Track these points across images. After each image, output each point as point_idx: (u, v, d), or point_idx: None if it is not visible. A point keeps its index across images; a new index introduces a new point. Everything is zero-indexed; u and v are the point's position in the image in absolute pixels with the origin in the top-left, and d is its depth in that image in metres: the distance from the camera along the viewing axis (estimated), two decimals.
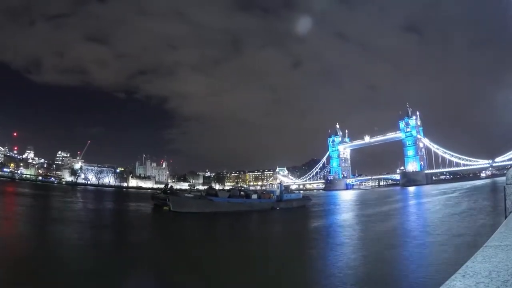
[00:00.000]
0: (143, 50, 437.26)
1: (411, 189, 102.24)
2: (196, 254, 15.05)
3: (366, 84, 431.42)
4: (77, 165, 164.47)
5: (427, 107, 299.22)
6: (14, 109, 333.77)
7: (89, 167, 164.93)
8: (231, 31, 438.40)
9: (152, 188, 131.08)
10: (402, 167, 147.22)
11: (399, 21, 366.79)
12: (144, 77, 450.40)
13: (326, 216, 35.98)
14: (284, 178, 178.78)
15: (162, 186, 78.20)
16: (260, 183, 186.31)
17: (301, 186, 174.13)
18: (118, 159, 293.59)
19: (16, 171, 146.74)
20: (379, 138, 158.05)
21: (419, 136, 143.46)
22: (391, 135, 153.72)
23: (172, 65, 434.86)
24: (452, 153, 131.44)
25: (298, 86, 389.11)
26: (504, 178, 4.54)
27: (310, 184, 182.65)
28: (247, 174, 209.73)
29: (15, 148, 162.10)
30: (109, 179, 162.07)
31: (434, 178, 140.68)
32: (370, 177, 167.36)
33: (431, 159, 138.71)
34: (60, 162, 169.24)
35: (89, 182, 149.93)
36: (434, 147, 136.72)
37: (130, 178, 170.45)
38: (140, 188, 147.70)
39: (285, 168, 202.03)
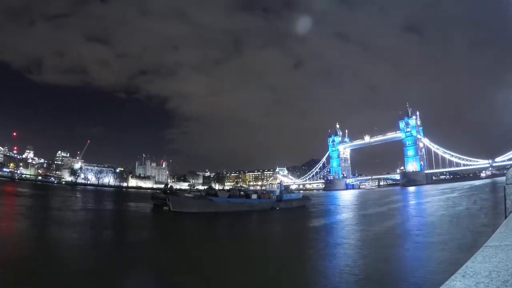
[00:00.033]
0: (144, 50, 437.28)
1: (411, 189, 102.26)
2: (196, 254, 15.05)
3: (366, 84, 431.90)
4: (77, 165, 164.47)
5: (427, 107, 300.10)
6: (14, 109, 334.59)
7: (89, 167, 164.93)
8: (232, 31, 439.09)
9: (152, 188, 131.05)
10: (402, 167, 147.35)
11: (399, 21, 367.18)
12: (144, 77, 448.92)
13: (326, 216, 35.97)
14: (284, 178, 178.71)
15: (162, 186, 78.25)
16: (260, 183, 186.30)
17: (301, 186, 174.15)
18: (118, 159, 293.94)
19: (15, 171, 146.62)
20: (379, 138, 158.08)
21: (419, 136, 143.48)
22: (391, 135, 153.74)
23: (172, 65, 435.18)
24: (452, 153, 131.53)
25: (298, 86, 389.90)
26: (504, 178, 4.54)
27: (310, 184, 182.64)
28: (247, 174, 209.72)
29: (15, 148, 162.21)
30: (108, 179, 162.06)
31: (434, 178, 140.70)
32: (370, 177, 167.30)
33: (431, 159, 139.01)
34: (59, 162, 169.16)
35: (88, 182, 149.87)
36: (434, 147, 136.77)
37: (129, 178, 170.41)
38: (140, 188, 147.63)
39: (285, 168, 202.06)
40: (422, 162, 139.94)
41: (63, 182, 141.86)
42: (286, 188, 65.23)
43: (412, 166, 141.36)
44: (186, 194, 41.93)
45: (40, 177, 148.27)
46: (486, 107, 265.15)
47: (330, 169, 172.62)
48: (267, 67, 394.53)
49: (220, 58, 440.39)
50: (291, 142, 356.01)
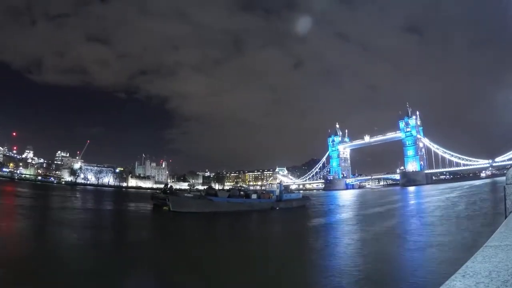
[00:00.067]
0: (144, 50, 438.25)
1: (411, 189, 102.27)
2: (196, 254, 15.05)
3: (366, 84, 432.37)
4: (77, 165, 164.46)
5: (427, 107, 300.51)
6: (14, 109, 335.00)
7: (89, 167, 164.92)
8: (232, 31, 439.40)
9: (151, 188, 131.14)
10: (402, 167, 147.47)
11: (399, 21, 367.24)
12: (145, 77, 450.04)
13: (326, 216, 35.96)
14: (283, 178, 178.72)
15: (161, 186, 78.26)
16: (259, 183, 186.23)
17: (301, 186, 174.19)
18: (118, 159, 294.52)
19: (15, 171, 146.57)
20: (379, 138, 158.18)
21: (419, 136, 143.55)
22: (391, 135, 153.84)
23: (172, 65, 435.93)
24: (452, 153, 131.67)
25: (298, 86, 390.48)
26: (504, 178, 4.54)
27: (309, 184, 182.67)
28: (246, 174, 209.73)
29: (15, 148, 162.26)
30: (108, 179, 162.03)
31: (434, 178, 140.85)
32: (370, 177, 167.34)
33: (431, 159, 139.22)
34: (59, 162, 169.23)
35: (88, 182, 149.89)
36: (434, 147, 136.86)
37: (129, 178, 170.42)
38: (140, 188, 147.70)
39: (285, 168, 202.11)
40: (422, 162, 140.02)
41: (63, 182, 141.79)
42: (286, 188, 65.21)
43: (412, 166, 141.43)
44: (186, 194, 41.95)
45: (39, 177, 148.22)
46: (486, 107, 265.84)
47: (330, 169, 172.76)
48: (267, 67, 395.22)
49: (220, 58, 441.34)
50: (291, 142, 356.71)
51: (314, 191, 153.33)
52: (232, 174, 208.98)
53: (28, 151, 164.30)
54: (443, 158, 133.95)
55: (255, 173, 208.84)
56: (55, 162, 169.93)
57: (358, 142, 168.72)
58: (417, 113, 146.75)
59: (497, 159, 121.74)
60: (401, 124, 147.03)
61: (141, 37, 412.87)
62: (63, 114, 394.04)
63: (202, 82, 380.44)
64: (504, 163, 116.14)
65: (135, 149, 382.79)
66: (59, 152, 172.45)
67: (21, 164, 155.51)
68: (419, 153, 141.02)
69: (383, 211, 36.05)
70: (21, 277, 10.11)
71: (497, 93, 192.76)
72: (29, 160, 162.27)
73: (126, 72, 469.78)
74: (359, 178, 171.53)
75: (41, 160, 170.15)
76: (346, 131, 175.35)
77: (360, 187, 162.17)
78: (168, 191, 40.37)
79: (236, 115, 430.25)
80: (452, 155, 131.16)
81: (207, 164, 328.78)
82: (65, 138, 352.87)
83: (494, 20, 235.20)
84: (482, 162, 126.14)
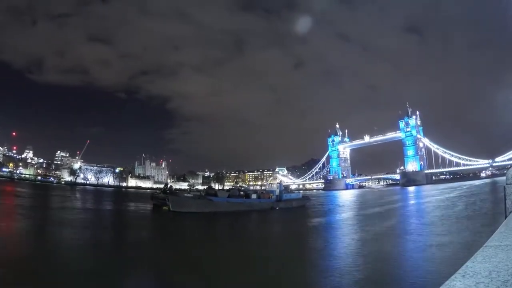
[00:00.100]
0: (145, 50, 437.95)
1: (411, 189, 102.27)
2: (196, 254, 15.05)
3: (366, 84, 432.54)
4: (76, 165, 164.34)
5: (427, 107, 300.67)
6: (14, 109, 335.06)
7: (88, 167, 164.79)
8: (233, 31, 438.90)
9: (151, 188, 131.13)
10: (402, 167, 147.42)
11: (399, 21, 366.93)
12: (145, 77, 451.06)
13: (326, 216, 35.98)
14: (283, 178, 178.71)
15: (161, 186, 78.23)
16: (259, 183, 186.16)
17: (301, 186, 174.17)
18: (118, 159, 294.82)
19: (15, 171, 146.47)
20: (379, 137, 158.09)
21: (419, 136, 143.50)
22: (391, 135, 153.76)
23: (173, 65, 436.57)
24: (452, 153, 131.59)
25: (298, 86, 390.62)
26: (504, 178, 4.54)
27: (309, 184, 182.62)
28: (246, 174, 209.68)
29: (14, 147, 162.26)
30: (108, 179, 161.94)
31: (434, 178, 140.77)
32: (370, 177, 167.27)
33: (431, 159, 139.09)
34: (59, 162, 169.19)
35: (88, 182, 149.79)
36: (434, 147, 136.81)
37: (129, 178, 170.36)
38: (140, 188, 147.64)
39: (285, 168, 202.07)
40: (422, 162, 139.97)
41: (63, 182, 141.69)
42: (286, 188, 65.31)
43: (412, 166, 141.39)
44: (185, 194, 41.93)
45: (39, 177, 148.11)
46: (486, 107, 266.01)
47: (330, 169, 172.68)
48: (268, 67, 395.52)
49: (221, 58, 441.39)
50: (291, 142, 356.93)
51: (314, 191, 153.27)
52: (232, 174, 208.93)
53: (27, 151, 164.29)
54: (443, 158, 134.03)
55: (255, 173, 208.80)
56: (54, 162, 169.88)
57: (358, 142, 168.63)
58: (417, 113, 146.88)
59: (497, 159, 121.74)
60: (401, 124, 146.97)
61: (141, 37, 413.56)
62: (63, 114, 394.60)
63: (203, 82, 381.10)
64: (504, 163, 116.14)
65: (135, 149, 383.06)
66: (58, 152, 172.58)
67: (20, 164, 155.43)
68: (419, 153, 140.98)
69: (383, 211, 36.06)
70: (21, 277, 10.11)
71: (497, 93, 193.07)
72: (29, 160, 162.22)
73: (127, 72, 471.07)
74: (359, 178, 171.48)
75: (41, 160, 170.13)
76: (346, 131, 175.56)
77: (360, 187, 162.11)
78: (168, 191, 40.33)
79: (237, 115, 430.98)
80: (452, 155, 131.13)
81: (207, 164, 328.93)
82: (65, 138, 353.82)
83: (494, 20, 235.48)
84: (482, 162, 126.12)
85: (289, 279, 11.05)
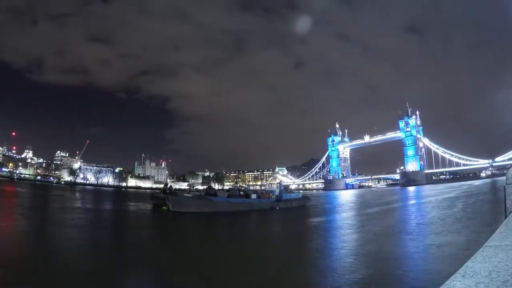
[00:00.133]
0: (145, 50, 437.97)
1: (411, 189, 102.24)
2: (196, 254, 15.05)
3: (366, 84, 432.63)
4: (76, 165, 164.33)
5: (427, 107, 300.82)
6: (14, 109, 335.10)
7: (88, 167, 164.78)
8: (233, 31, 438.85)
9: (151, 188, 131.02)
10: (402, 167, 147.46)
11: (399, 21, 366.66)
12: (145, 77, 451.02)
13: (326, 216, 35.99)
14: (283, 178, 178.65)
15: (161, 186, 78.14)
16: (259, 183, 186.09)
17: (301, 186, 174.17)
18: (117, 159, 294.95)
19: (14, 170, 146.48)
20: (379, 137, 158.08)
21: (419, 136, 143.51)
22: (391, 135, 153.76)
23: (173, 65, 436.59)
24: (452, 152, 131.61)
25: (298, 86, 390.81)
26: (504, 178, 4.54)
27: (309, 184, 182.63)
28: (246, 174, 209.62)
29: (14, 147, 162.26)
30: (108, 179, 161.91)
31: (434, 178, 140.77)
32: (370, 177, 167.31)
33: (431, 159, 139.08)
34: (59, 162, 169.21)
35: (88, 182, 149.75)
36: (434, 147, 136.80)
37: (129, 178, 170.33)
38: (139, 188, 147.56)
39: (285, 168, 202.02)
40: (422, 162, 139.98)
41: (62, 182, 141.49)
42: (286, 188, 65.20)
43: (412, 166, 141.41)
44: (185, 194, 41.97)
45: (39, 177, 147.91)
46: (486, 107, 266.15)
47: (329, 169, 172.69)
48: (268, 67, 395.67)
49: (221, 58, 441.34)
50: (291, 142, 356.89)
51: (314, 191, 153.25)
52: (231, 174, 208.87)
53: (27, 151, 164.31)
54: (443, 158, 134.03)
55: (255, 173, 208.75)
56: (54, 162, 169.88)
57: (358, 142, 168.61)
58: (417, 113, 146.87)
59: (497, 159, 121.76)
60: (401, 124, 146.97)
61: (141, 37, 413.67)
62: (63, 114, 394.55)
63: (203, 82, 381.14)
64: (504, 163, 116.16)
65: (135, 149, 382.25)
66: (58, 152, 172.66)
67: (20, 164, 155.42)
68: (419, 153, 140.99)
69: (383, 211, 36.07)
70: (21, 277, 10.11)
71: (497, 93, 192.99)
72: (29, 160, 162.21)
73: (127, 72, 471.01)
74: (359, 178, 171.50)
75: (41, 160, 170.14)
76: (346, 131, 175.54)
77: (360, 187, 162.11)
78: (168, 191, 40.31)
79: (237, 115, 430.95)
80: (452, 155, 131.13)
81: (207, 164, 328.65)
82: (65, 138, 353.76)
83: (494, 20, 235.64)
84: (482, 162, 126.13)
85: (289, 279, 11.05)
